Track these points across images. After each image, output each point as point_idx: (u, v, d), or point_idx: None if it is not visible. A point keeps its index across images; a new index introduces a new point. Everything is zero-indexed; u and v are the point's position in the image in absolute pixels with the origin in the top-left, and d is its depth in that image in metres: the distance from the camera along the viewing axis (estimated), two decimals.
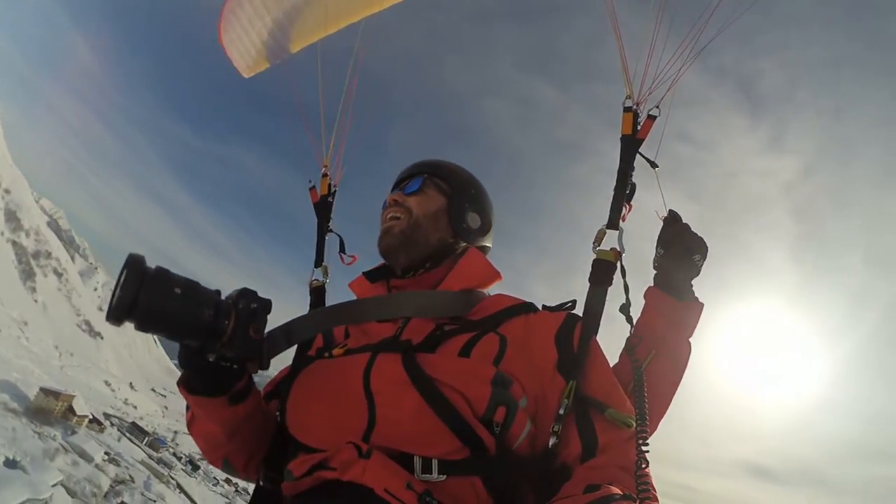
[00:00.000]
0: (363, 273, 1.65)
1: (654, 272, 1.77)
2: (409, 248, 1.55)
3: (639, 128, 1.62)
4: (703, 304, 1.70)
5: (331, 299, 1.95)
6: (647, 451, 1.17)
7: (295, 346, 1.57)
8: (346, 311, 1.55)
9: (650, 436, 1.42)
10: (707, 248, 1.71)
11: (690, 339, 1.69)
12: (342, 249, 2.00)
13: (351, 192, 2.24)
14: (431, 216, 1.60)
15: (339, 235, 2.03)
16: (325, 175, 2.17)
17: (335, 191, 2.17)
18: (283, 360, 1.61)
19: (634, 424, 1.23)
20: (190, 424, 1.50)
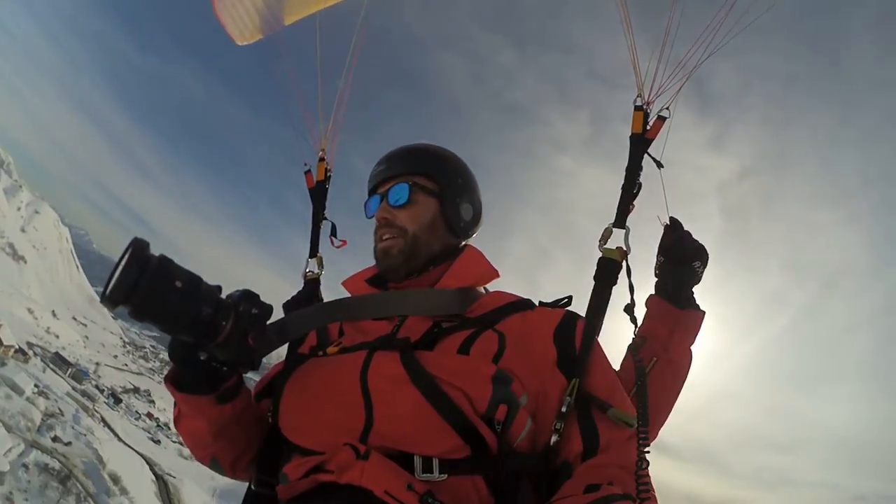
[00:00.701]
0: (365, 280, 1.58)
1: (656, 279, 1.77)
2: (410, 263, 1.51)
3: (648, 127, 1.61)
4: (704, 313, 1.71)
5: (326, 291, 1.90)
6: (648, 452, 1.19)
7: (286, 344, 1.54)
8: (342, 309, 1.51)
9: (651, 440, 1.46)
10: (707, 255, 1.71)
11: (692, 348, 1.71)
12: (333, 233, 1.95)
13: (340, 171, 2.12)
14: (428, 227, 1.54)
15: (331, 222, 1.98)
16: (321, 159, 2.10)
17: (331, 176, 2.10)
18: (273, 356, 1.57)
19: (636, 424, 1.24)
20: (176, 421, 1.44)
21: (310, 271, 1.94)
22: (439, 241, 1.56)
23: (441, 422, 1.17)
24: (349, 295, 1.58)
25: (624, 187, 1.60)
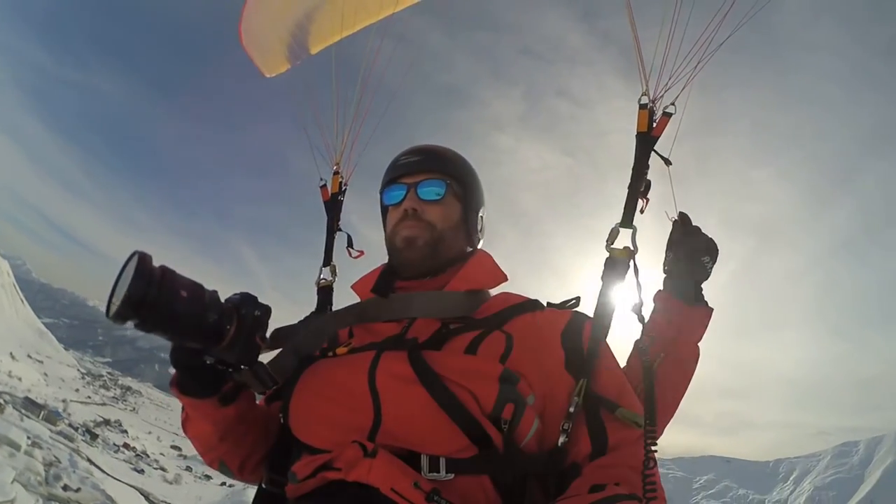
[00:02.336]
0: (371, 290, 1.57)
1: (664, 275, 1.77)
2: (431, 261, 1.52)
3: (654, 125, 1.59)
4: (712, 309, 1.71)
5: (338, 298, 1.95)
6: (655, 451, 1.19)
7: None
8: (352, 314, 1.54)
9: (659, 436, 1.47)
10: (717, 250, 1.70)
11: (699, 344, 1.70)
12: (350, 244, 2.01)
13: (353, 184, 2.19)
14: (453, 228, 1.57)
15: (346, 233, 2.05)
16: (336, 173, 2.16)
17: (345, 189, 2.16)
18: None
19: (644, 424, 1.24)
20: (184, 425, 1.48)
21: (323, 279, 1.98)
22: (459, 245, 1.59)
23: (448, 421, 1.18)
24: (359, 299, 1.58)
25: (630, 186, 1.58)
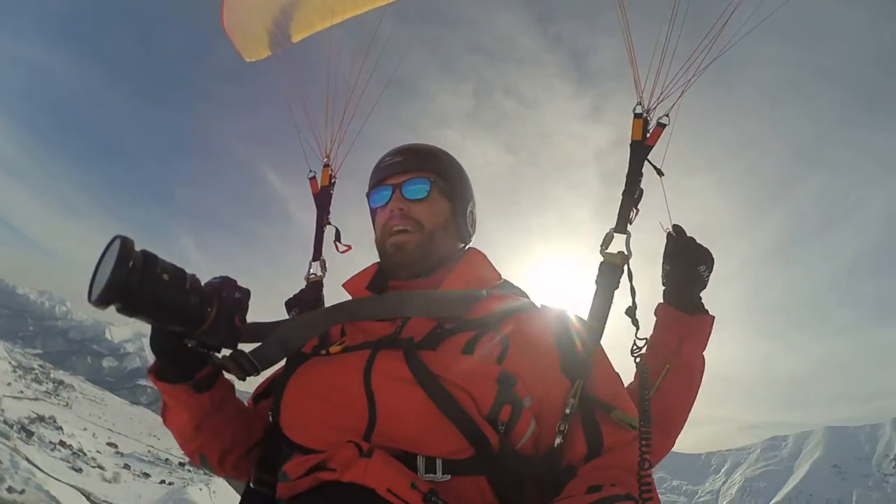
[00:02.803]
0: (367, 288, 1.55)
1: (663, 288, 1.78)
2: (424, 262, 1.50)
3: (648, 135, 1.62)
4: (713, 317, 1.72)
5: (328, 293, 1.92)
6: (650, 454, 1.20)
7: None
8: (344, 312, 1.50)
9: (668, 449, 1.58)
10: (713, 258, 1.72)
11: (704, 353, 1.72)
12: (338, 238, 1.97)
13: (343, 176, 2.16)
14: (442, 227, 1.54)
15: (335, 227, 2.00)
16: (326, 165, 2.12)
17: (335, 181, 2.12)
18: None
19: (639, 427, 1.25)
20: (164, 415, 1.46)
21: (313, 273, 1.95)
22: (450, 243, 1.57)
23: (446, 423, 1.18)
24: (350, 297, 1.56)
25: (624, 193, 1.61)
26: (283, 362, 1.45)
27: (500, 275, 1.60)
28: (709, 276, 1.73)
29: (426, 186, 1.53)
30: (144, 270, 1.07)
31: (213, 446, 1.47)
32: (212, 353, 1.33)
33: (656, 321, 1.76)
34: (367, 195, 1.63)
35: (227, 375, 1.41)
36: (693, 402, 1.70)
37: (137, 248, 1.08)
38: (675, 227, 1.77)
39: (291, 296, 1.89)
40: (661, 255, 1.79)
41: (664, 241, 1.79)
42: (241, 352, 1.35)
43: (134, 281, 1.04)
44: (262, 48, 2.45)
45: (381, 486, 1.10)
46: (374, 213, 1.64)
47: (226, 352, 1.34)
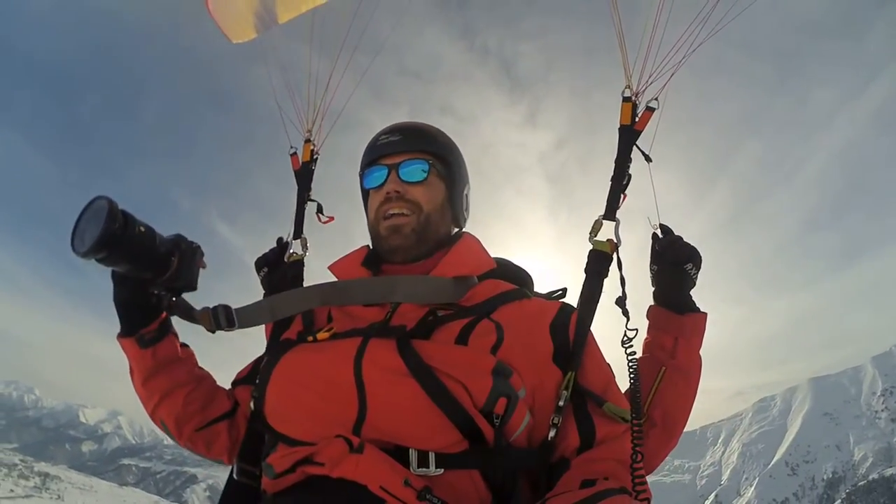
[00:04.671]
0: (362, 264, 1.51)
1: (653, 289, 1.76)
2: (420, 245, 1.47)
3: (637, 119, 1.59)
4: (705, 314, 1.70)
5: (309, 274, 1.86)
6: (642, 446, 1.20)
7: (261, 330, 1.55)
8: (332, 292, 1.44)
9: (671, 448, 1.58)
10: (700, 257, 1.69)
11: (700, 351, 1.69)
12: (320, 210, 1.94)
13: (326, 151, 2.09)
14: (439, 209, 1.51)
15: (317, 202, 1.96)
16: (307, 140, 2.05)
17: (317, 157, 2.06)
18: (254, 345, 1.62)
19: (630, 419, 1.25)
20: (131, 378, 1.50)
21: (293, 252, 1.89)
22: (445, 227, 1.54)
23: (440, 416, 1.14)
24: (336, 279, 1.51)
25: (613, 179, 1.59)
26: (268, 357, 1.40)
27: (493, 260, 1.56)
28: (697, 274, 1.70)
29: (425, 167, 1.49)
30: (126, 224, 1.21)
31: (167, 411, 1.48)
32: (180, 304, 1.44)
33: (649, 323, 1.74)
34: (360, 175, 1.59)
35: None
36: (693, 400, 1.66)
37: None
38: (663, 226, 1.74)
39: (261, 256, 1.90)
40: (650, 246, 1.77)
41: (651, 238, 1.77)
42: (225, 305, 1.41)
43: (119, 233, 1.19)
44: (249, 29, 2.43)
45: (374, 483, 1.06)
46: (366, 194, 1.59)
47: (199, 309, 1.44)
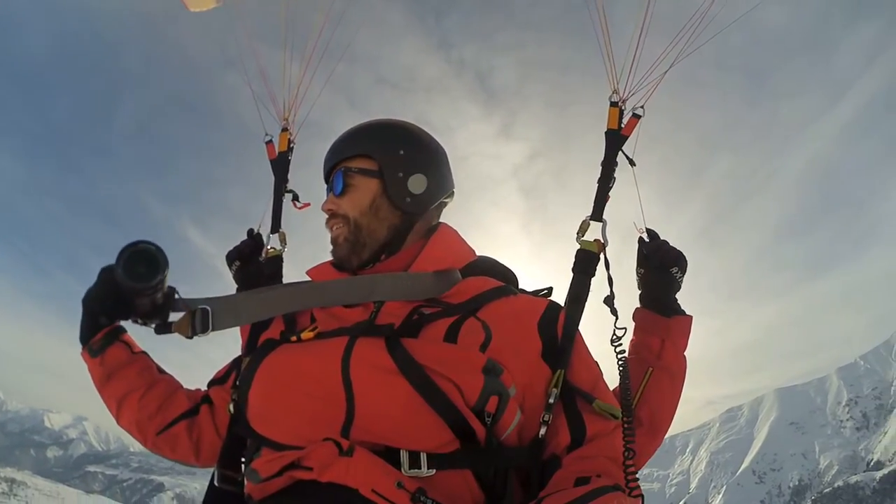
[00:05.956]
0: (333, 266, 1.47)
1: (639, 292, 1.78)
2: (359, 252, 1.42)
3: (623, 124, 1.63)
4: (690, 317, 1.72)
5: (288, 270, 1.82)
6: (633, 443, 1.21)
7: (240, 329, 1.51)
8: (309, 293, 1.41)
9: (656, 448, 1.60)
10: (686, 260, 1.72)
11: (685, 353, 1.71)
12: (295, 199, 1.89)
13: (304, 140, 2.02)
14: (368, 210, 1.43)
15: (293, 191, 1.91)
16: (284, 129, 2.00)
17: (294, 146, 2.00)
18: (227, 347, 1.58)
19: (620, 416, 1.25)
20: None
21: (271, 248, 1.84)
22: (385, 224, 1.44)
23: (432, 415, 1.13)
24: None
25: (600, 181, 1.63)
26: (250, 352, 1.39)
27: (473, 251, 1.54)
28: (682, 277, 1.72)
29: (341, 179, 1.45)
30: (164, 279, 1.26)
31: (127, 417, 1.50)
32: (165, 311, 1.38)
33: (635, 326, 1.75)
34: None
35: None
36: (678, 402, 1.69)
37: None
38: (649, 231, 1.76)
39: (232, 249, 1.88)
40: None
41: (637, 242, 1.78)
42: (204, 310, 1.34)
43: (163, 259, 1.23)
44: None
45: (365, 487, 1.03)
46: None
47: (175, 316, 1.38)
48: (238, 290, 1.82)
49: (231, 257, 1.86)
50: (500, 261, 1.68)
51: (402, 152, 1.44)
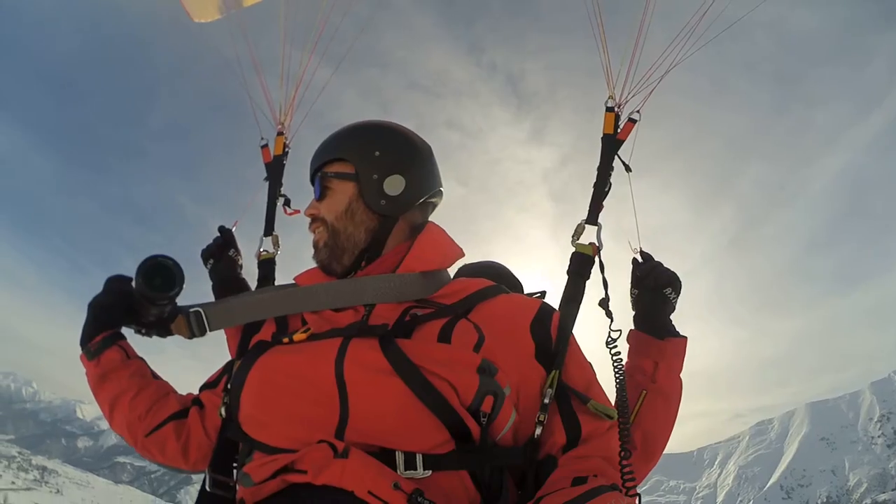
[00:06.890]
0: (319, 267, 1.47)
1: (633, 314, 1.77)
2: (338, 257, 1.42)
3: (619, 129, 1.64)
4: (685, 338, 1.71)
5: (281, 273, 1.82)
6: (629, 443, 1.21)
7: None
8: (299, 297, 1.41)
9: (649, 471, 1.60)
10: (680, 282, 1.71)
11: (680, 375, 1.70)
12: (287, 204, 1.90)
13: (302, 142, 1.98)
14: (345, 214, 1.42)
15: (285, 195, 1.92)
16: (280, 133, 2.01)
17: (289, 150, 2.01)
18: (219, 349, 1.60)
19: (616, 416, 1.25)
20: None
21: (264, 251, 1.84)
22: (362, 227, 1.43)
23: (428, 415, 1.11)
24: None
25: (596, 185, 1.63)
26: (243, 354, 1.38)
27: (461, 250, 1.53)
28: (676, 299, 1.72)
29: (319, 184, 1.46)
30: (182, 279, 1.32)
31: (118, 419, 1.51)
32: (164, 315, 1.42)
33: (630, 348, 1.74)
34: None
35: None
36: (672, 425, 1.68)
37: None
38: (643, 253, 1.77)
39: (205, 248, 1.93)
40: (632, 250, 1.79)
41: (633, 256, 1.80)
42: (197, 312, 1.40)
43: (178, 272, 1.31)
44: (212, 9, 2.35)
45: (362, 489, 1.01)
46: None
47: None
48: (213, 286, 1.88)
49: (205, 256, 1.91)
50: (511, 268, 1.75)
51: (377, 154, 1.43)
